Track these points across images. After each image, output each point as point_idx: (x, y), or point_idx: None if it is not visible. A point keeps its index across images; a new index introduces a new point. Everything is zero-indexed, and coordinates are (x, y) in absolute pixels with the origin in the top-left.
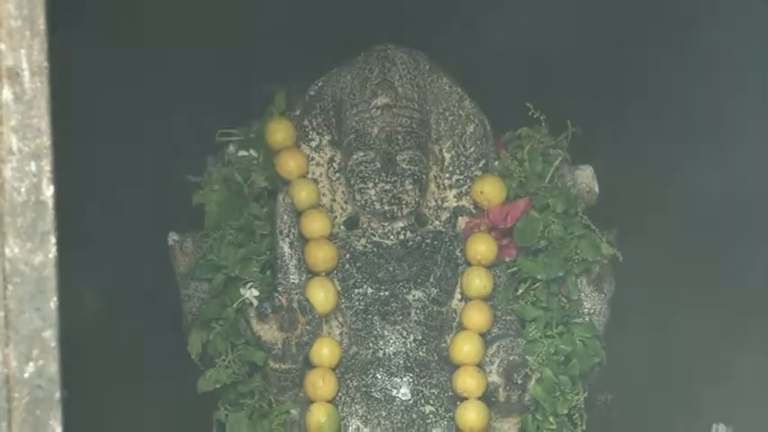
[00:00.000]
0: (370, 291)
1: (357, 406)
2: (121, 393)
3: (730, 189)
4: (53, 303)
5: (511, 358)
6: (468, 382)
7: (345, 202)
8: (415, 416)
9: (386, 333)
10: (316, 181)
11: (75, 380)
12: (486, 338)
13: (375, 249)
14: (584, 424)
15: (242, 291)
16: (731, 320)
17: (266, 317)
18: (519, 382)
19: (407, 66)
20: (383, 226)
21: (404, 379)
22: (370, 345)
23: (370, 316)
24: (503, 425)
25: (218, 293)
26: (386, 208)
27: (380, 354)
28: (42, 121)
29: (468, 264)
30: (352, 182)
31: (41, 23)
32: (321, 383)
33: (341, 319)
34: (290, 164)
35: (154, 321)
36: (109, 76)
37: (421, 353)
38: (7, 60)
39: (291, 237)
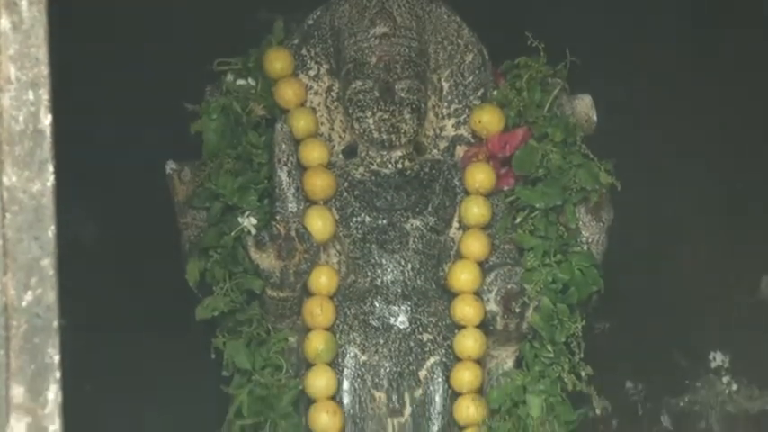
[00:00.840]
0: (367, 219)
1: (355, 334)
2: (119, 323)
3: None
4: (51, 232)
5: (509, 287)
6: (466, 310)
7: (343, 131)
8: (412, 344)
9: (384, 261)
10: (314, 110)
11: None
12: (485, 267)
13: (373, 178)
14: (582, 352)
15: (240, 219)
16: (731, 248)
17: (264, 245)
18: (517, 310)
19: None
20: (381, 155)
21: (402, 307)
22: (368, 273)
23: (367, 244)
24: (501, 353)
25: (215, 222)
26: (384, 137)
27: (378, 282)
28: (40, 51)
29: (467, 192)
30: (350, 111)
31: None
32: (319, 311)
33: (339, 247)
34: (288, 93)
35: (151, 250)
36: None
37: (419, 281)
38: None
39: (290, 165)
